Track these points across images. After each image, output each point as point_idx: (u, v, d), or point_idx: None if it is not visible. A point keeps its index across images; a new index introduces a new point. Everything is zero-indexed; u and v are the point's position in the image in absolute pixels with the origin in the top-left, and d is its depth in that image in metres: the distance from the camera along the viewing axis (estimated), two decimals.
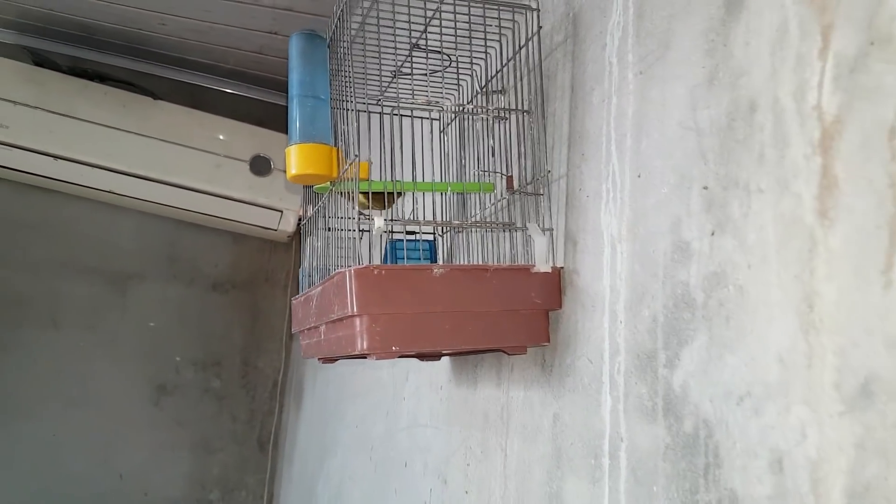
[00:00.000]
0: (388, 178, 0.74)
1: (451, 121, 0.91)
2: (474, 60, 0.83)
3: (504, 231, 0.76)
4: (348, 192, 0.72)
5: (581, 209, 0.67)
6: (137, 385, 2.20)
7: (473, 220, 0.86)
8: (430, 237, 0.91)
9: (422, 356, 0.85)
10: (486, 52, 0.81)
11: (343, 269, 0.63)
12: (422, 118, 0.92)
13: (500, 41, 0.78)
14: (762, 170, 0.45)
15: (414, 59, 0.80)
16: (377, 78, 0.81)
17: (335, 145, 0.76)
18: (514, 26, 0.75)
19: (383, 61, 0.77)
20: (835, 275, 0.38)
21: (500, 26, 0.75)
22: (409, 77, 0.84)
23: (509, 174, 0.77)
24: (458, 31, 0.74)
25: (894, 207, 0.36)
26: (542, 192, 0.72)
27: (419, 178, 0.84)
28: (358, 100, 0.73)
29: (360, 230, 0.72)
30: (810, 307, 0.40)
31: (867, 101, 0.38)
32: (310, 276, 0.89)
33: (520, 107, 0.75)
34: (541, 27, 0.73)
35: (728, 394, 0.45)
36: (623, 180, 0.60)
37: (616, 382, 0.57)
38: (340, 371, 1.64)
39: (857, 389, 0.36)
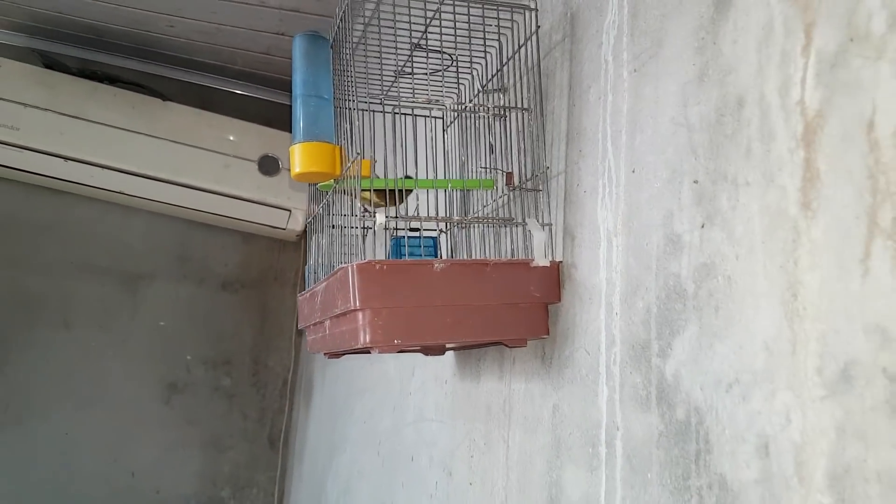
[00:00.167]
0: (394, 176, 0.76)
1: (454, 119, 0.92)
2: (474, 60, 0.85)
3: (504, 227, 0.77)
4: (355, 190, 0.74)
5: (579, 204, 0.69)
6: (148, 384, 2.23)
7: (474, 216, 0.87)
8: (434, 233, 0.93)
9: (426, 351, 0.87)
10: (485, 52, 0.82)
11: (346, 265, 0.65)
12: (424, 116, 0.93)
13: (499, 41, 0.79)
14: (749, 164, 0.46)
15: (415, 59, 0.81)
16: (379, 77, 0.83)
17: (338, 144, 0.77)
18: (513, 26, 0.76)
19: (385, 61, 0.78)
20: (817, 264, 0.40)
21: (499, 26, 0.76)
22: (411, 76, 0.85)
23: (509, 171, 0.78)
24: (458, 31, 0.76)
25: (872, 198, 0.37)
26: (541, 188, 0.74)
27: (422, 176, 0.86)
28: (360, 99, 0.74)
29: (363, 227, 0.74)
30: (794, 296, 0.41)
31: (847, 95, 0.39)
32: (315, 272, 0.91)
33: (519, 105, 0.77)
34: (539, 27, 0.75)
35: (717, 381, 0.46)
36: (618, 176, 0.62)
37: (612, 373, 0.59)
38: (348, 367, 1.66)
39: (837, 374, 0.37)
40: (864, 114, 0.38)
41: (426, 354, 0.90)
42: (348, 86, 0.76)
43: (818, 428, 0.38)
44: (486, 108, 0.82)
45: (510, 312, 0.69)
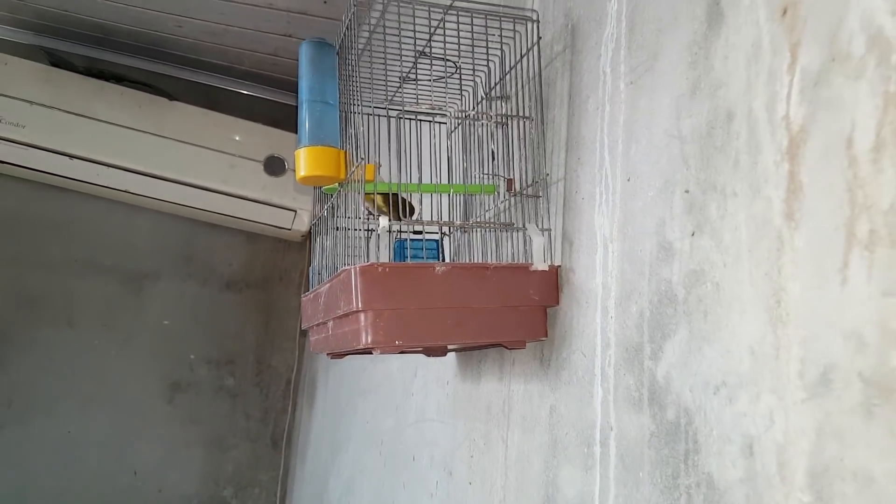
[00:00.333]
0: (400, 181, 0.78)
1: (457, 126, 0.94)
2: (477, 68, 0.87)
3: (504, 231, 0.79)
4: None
5: (577, 211, 0.71)
6: (152, 383, 2.25)
7: (475, 220, 0.89)
8: (436, 236, 0.95)
9: (428, 352, 0.89)
10: (488, 61, 0.84)
11: (349, 267, 0.67)
12: (430, 122, 0.95)
13: (502, 50, 0.81)
14: (737, 175, 0.48)
15: (420, 67, 0.83)
16: (384, 84, 0.85)
17: (343, 148, 0.79)
18: (515, 36, 0.79)
19: (390, 68, 0.80)
20: (799, 272, 0.42)
21: (501, 36, 0.78)
22: (415, 83, 0.87)
23: (510, 177, 0.80)
24: (461, 40, 0.78)
25: (850, 211, 0.39)
26: (540, 194, 0.76)
27: (425, 180, 0.88)
28: (365, 105, 0.76)
29: (367, 230, 0.76)
30: (778, 302, 0.43)
31: (828, 112, 0.41)
32: (319, 274, 0.93)
33: (521, 113, 0.79)
34: (541, 38, 0.77)
35: (706, 384, 0.48)
36: (614, 184, 0.64)
37: (607, 374, 0.61)
38: (351, 368, 1.68)
39: (817, 378, 0.39)
40: (844, 130, 0.40)
41: (428, 355, 0.92)
42: (353, 91, 0.78)
43: (799, 429, 0.40)
44: (488, 116, 0.84)
45: (510, 315, 0.71)
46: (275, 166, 2.14)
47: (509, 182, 0.81)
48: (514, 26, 0.78)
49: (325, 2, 1.77)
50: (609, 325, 0.62)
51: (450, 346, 0.89)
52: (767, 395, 0.43)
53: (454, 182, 0.93)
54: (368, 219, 0.78)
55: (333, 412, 1.84)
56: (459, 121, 0.93)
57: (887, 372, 0.35)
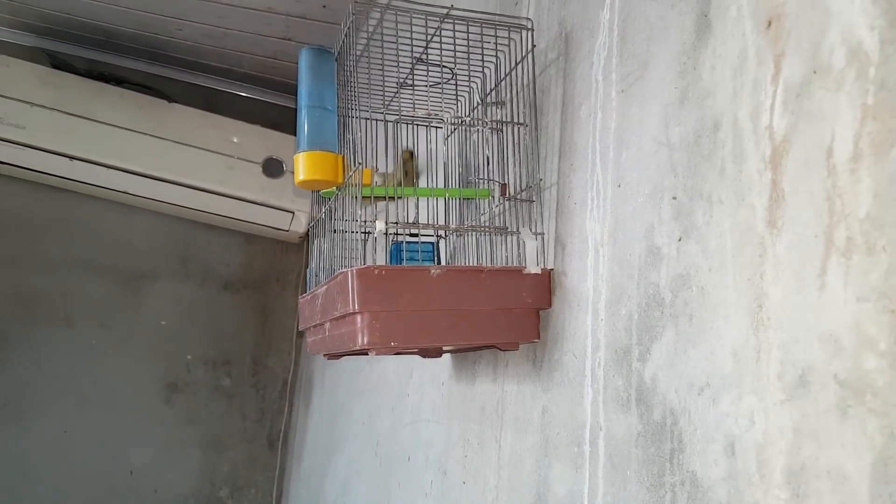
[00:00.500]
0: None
1: (452, 132, 0.96)
2: (473, 75, 0.88)
3: (499, 235, 0.81)
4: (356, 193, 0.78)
5: (569, 215, 0.72)
6: (149, 383, 2.26)
7: (470, 224, 0.91)
8: (432, 239, 0.96)
9: (424, 353, 0.90)
10: (483, 68, 0.86)
11: (346, 269, 0.68)
12: (426, 126, 0.97)
13: (497, 57, 0.83)
14: (723, 183, 0.49)
15: (417, 73, 0.85)
16: (381, 90, 0.86)
17: (341, 153, 0.81)
18: (510, 44, 0.80)
19: (387, 75, 0.82)
20: (780, 278, 0.43)
21: (497, 44, 0.80)
22: (412, 89, 0.89)
23: (504, 182, 0.82)
24: (457, 47, 0.79)
25: (829, 219, 0.40)
26: (534, 199, 0.77)
27: (421, 184, 0.89)
28: (362, 110, 0.78)
29: (364, 232, 0.78)
30: (760, 307, 0.44)
31: (809, 123, 0.43)
32: (316, 275, 0.95)
33: (515, 119, 0.80)
34: (535, 45, 0.78)
35: (691, 385, 0.50)
36: (606, 189, 0.65)
37: (597, 376, 0.62)
38: (348, 369, 1.70)
39: (795, 380, 0.41)
40: (825, 141, 0.41)
41: (424, 357, 0.93)
42: (351, 97, 0.80)
43: (778, 429, 0.41)
44: (483, 122, 0.86)
45: (503, 317, 0.73)
46: (273, 168, 2.15)
47: (503, 187, 0.82)
48: (510, 34, 0.80)
49: (324, 6, 1.78)
50: (599, 327, 0.63)
51: (445, 348, 0.90)
52: (749, 396, 0.44)
53: (450, 186, 0.94)
54: (365, 222, 0.79)
55: (330, 413, 1.85)
56: (455, 126, 0.94)
57: (861, 375, 0.37)
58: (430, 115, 0.91)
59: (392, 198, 0.83)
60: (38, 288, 2.18)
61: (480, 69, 0.86)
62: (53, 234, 2.21)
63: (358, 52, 0.78)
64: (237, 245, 2.38)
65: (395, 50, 0.77)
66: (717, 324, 0.48)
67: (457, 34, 0.78)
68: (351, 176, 0.77)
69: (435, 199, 0.96)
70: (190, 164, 2.06)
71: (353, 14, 0.78)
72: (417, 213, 0.86)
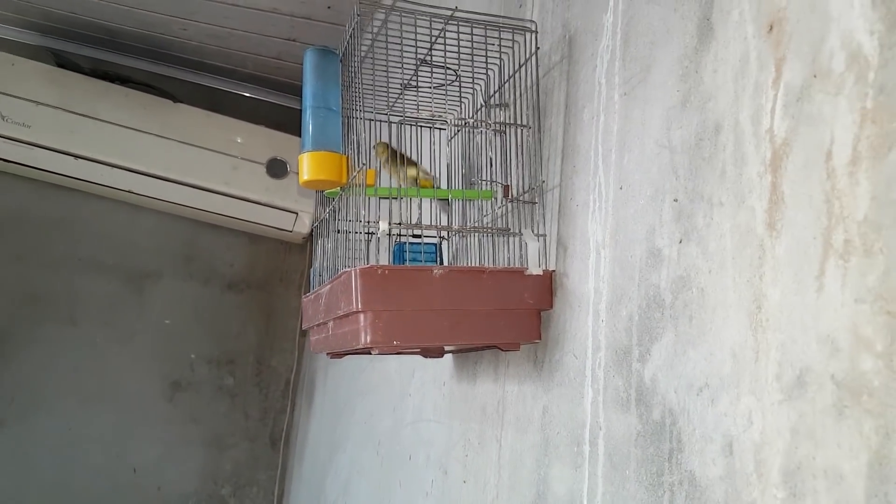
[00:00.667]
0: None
1: (456, 133, 0.96)
2: (477, 77, 0.89)
3: (501, 236, 0.81)
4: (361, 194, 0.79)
5: (571, 217, 0.73)
6: (152, 381, 2.27)
7: (473, 225, 0.91)
8: (435, 240, 0.97)
9: (426, 353, 0.90)
10: (487, 70, 0.86)
11: (349, 269, 0.69)
12: (430, 128, 0.97)
13: (500, 59, 0.83)
14: (723, 185, 0.50)
15: (421, 74, 0.85)
16: (385, 91, 0.87)
17: (345, 153, 0.81)
18: (514, 46, 0.81)
19: (392, 76, 0.82)
20: (779, 279, 0.43)
21: (500, 46, 0.80)
22: (416, 90, 0.89)
23: (507, 184, 0.82)
24: (461, 49, 0.80)
25: (828, 221, 0.41)
26: (536, 200, 0.78)
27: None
28: (367, 111, 0.78)
29: (367, 233, 0.78)
30: (758, 308, 0.45)
31: (809, 126, 0.43)
32: (320, 275, 0.95)
33: (518, 121, 0.81)
34: (539, 48, 0.79)
35: (690, 385, 0.50)
36: (608, 191, 0.65)
37: (597, 376, 0.63)
38: (350, 368, 1.70)
39: (793, 380, 0.41)
40: (824, 144, 0.42)
41: (426, 356, 0.94)
42: (356, 98, 0.80)
43: (775, 429, 0.42)
44: (486, 124, 0.86)
45: (505, 318, 0.73)
46: (277, 168, 2.16)
47: (506, 188, 0.83)
48: (514, 36, 0.80)
49: (328, 7, 1.79)
50: (600, 328, 0.64)
51: (447, 348, 0.91)
52: (747, 396, 0.45)
53: (453, 187, 0.95)
54: (369, 222, 0.80)
55: (332, 412, 1.86)
56: (459, 128, 0.95)
57: (857, 375, 0.37)
58: (433, 116, 0.92)
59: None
60: (43, 286, 2.19)
61: (484, 71, 0.87)
62: (58, 232, 2.22)
63: (362, 53, 0.78)
64: (241, 245, 2.39)
65: (399, 51, 0.78)
66: (716, 325, 0.48)
67: (461, 36, 0.79)
68: (355, 176, 0.78)
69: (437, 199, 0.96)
70: (194, 164, 2.07)
71: (358, 15, 0.79)
72: (420, 213, 0.86)
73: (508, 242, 0.80)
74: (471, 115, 0.92)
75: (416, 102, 0.92)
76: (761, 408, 0.43)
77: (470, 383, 0.96)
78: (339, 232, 0.89)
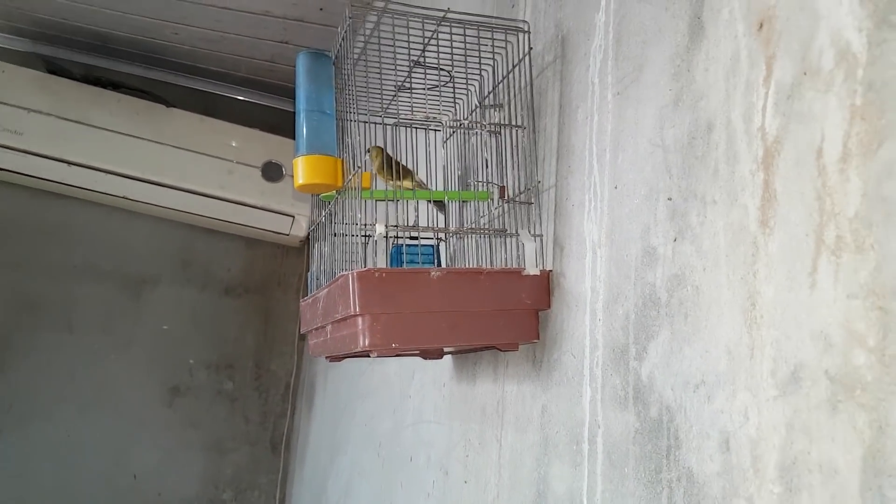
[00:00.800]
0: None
1: (451, 135, 0.96)
2: (470, 78, 0.89)
3: (497, 237, 0.81)
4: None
5: (567, 217, 0.73)
6: (151, 387, 2.26)
7: (470, 227, 0.92)
8: (433, 242, 0.97)
9: (425, 354, 0.91)
10: (481, 70, 0.86)
11: (346, 272, 0.69)
12: (424, 129, 0.98)
13: (494, 59, 0.83)
14: (716, 183, 0.50)
15: (414, 76, 0.85)
16: (379, 93, 0.87)
17: (340, 157, 0.81)
18: (507, 46, 0.81)
19: (385, 78, 0.82)
20: (772, 276, 0.44)
21: (493, 46, 0.81)
22: (410, 92, 0.90)
23: (502, 185, 0.83)
24: (454, 50, 0.80)
25: (820, 218, 0.41)
26: (532, 201, 0.78)
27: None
28: (361, 114, 0.78)
29: (364, 235, 0.78)
30: (753, 305, 0.45)
31: (800, 124, 0.44)
32: (318, 279, 0.95)
33: (513, 122, 0.81)
34: (532, 48, 0.79)
35: (686, 382, 0.50)
36: (603, 191, 0.66)
37: (595, 375, 0.63)
38: (350, 371, 1.70)
39: (788, 376, 0.42)
40: (815, 141, 0.42)
41: (425, 358, 0.94)
42: (349, 101, 0.80)
43: (771, 425, 0.42)
44: (481, 125, 0.87)
45: (503, 318, 0.73)
46: (272, 172, 2.16)
47: (502, 189, 0.83)
48: (507, 37, 0.80)
49: (321, 9, 1.79)
50: (597, 327, 0.64)
51: (446, 349, 0.91)
52: (743, 392, 0.45)
53: (449, 189, 0.95)
54: (365, 225, 0.80)
55: (332, 415, 1.86)
56: (454, 129, 0.95)
57: (850, 371, 0.37)
58: (428, 118, 0.92)
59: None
60: (39, 294, 2.19)
61: (478, 72, 0.87)
62: (54, 240, 2.21)
63: (355, 56, 0.79)
64: (238, 249, 2.39)
65: (392, 53, 0.78)
66: (711, 322, 0.49)
67: (454, 37, 0.79)
68: (350, 179, 0.78)
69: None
70: (189, 168, 2.07)
71: (350, 18, 0.79)
72: (417, 215, 0.86)
73: (505, 243, 0.80)
74: (465, 117, 0.92)
75: (410, 104, 0.92)
76: (757, 404, 0.44)
77: (469, 384, 0.96)
78: (335, 235, 0.89)
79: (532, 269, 0.74)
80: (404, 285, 0.69)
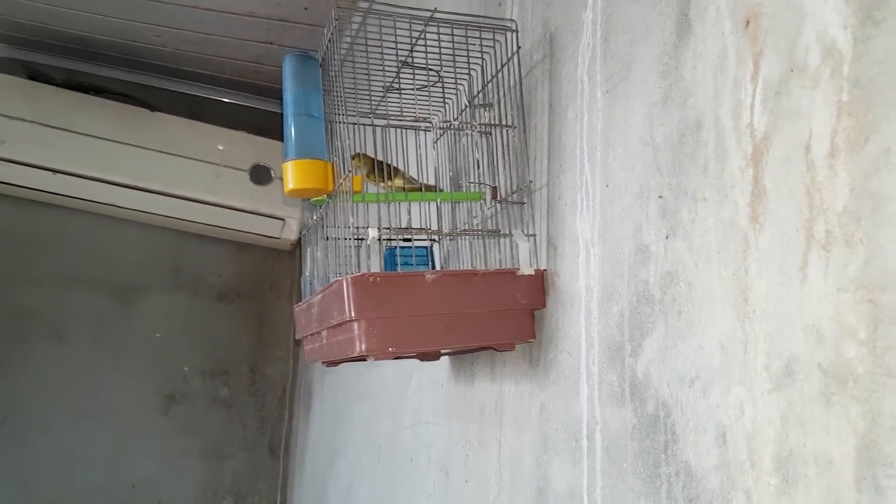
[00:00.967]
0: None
1: (441, 135, 0.97)
2: (459, 77, 0.89)
3: (491, 238, 0.82)
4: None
5: (560, 216, 0.73)
6: (146, 395, 2.25)
7: (463, 228, 0.92)
8: (426, 243, 0.97)
9: (422, 356, 0.91)
10: (469, 70, 0.87)
11: (341, 278, 0.69)
12: (414, 129, 0.98)
13: (482, 59, 0.84)
14: (706, 180, 0.51)
15: (403, 76, 0.85)
16: (368, 94, 0.87)
17: (330, 160, 0.81)
18: (495, 45, 0.81)
19: (373, 79, 0.82)
20: (764, 272, 0.44)
21: (482, 46, 0.81)
22: (399, 92, 0.89)
23: (494, 185, 0.83)
24: (443, 50, 0.80)
25: (809, 213, 0.42)
26: (525, 200, 0.78)
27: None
28: (349, 116, 0.78)
29: (357, 238, 0.78)
30: (745, 300, 0.46)
31: (788, 120, 0.44)
32: (311, 283, 0.95)
33: (503, 122, 0.81)
34: (520, 47, 0.79)
35: (681, 378, 0.51)
36: (594, 190, 0.66)
37: (591, 372, 0.64)
38: (347, 375, 1.70)
39: (781, 370, 0.42)
40: (803, 138, 0.43)
41: (422, 360, 0.94)
42: (337, 103, 0.80)
43: (766, 418, 0.43)
44: (472, 126, 0.87)
45: (499, 319, 0.74)
46: (261, 175, 2.14)
47: (493, 190, 0.83)
48: (494, 36, 0.80)
49: (305, 8, 1.78)
50: (592, 325, 0.64)
51: (443, 351, 0.92)
52: (737, 387, 0.46)
53: (441, 190, 0.95)
54: (357, 228, 0.80)
55: (330, 419, 1.86)
56: (444, 130, 0.95)
57: (842, 363, 0.38)
58: (418, 119, 0.92)
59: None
60: (28, 305, 2.17)
61: (467, 71, 0.87)
62: (41, 249, 2.19)
63: (342, 57, 0.78)
64: (228, 254, 2.37)
65: (379, 54, 0.78)
66: (704, 318, 0.49)
67: (441, 37, 0.79)
68: (341, 183, 0.78)
69: (427, 202, 0.96)
70: (176, 173, 2.05)
71: (336, 20, 0.79)
72: (410, 217, 0.87)
73: (499, 243, 0.80)
74: (455, 117, 0.93)
75: (399, 105, 0.92)
76: (752, 398, 0.44)
77: (467, 384, 0.97)
78: (328, 239, 0.89)
79: (526, 269, 0.74)
80: (399, 289, 0.69)
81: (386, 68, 0.80)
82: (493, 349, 0.81)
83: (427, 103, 0.92)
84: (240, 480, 2.33)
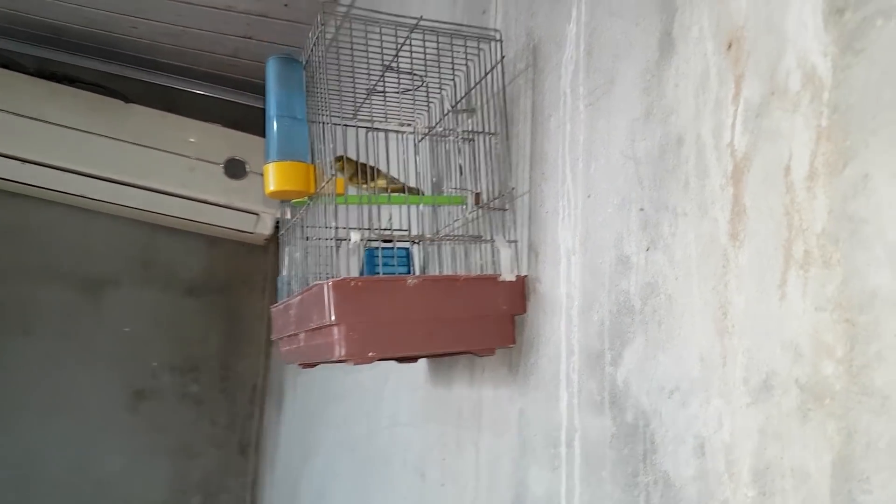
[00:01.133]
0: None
1: (422, 138, 0.97)
2: (443, 83, 0.89)
3: (473, 243, 0.82)
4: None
5: (542, 223, 0.74)
6: (114, 391, 2.21)
7: (445, 233, 0.92)
8: (407, 245, 0.97)
9: (400, 359, 0.91)
10: (454, 76, 0.87)
11: (321, 282, 0.69)
12: (396, 132, 0.97)
13: (466, 66, 0.84)
14: (687, 196, 0.52)
15: (387, 80, 0.85)
16: (352, 97, 0.86)
17: (312, 162, 0.81)
18: (479, 53, 0.81)
19: (357, 82, 0.82)
20: (743, 287, 0.46)
21: (466, 53, 0.81)
22: (384, 96, 0.89)
23: (477, 191, 0.83)
24: (427, 55, 0.80)
25: (788, 233, 0.43)
26: (507, 207, 0.79)
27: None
28: (333, 118, 0.78)
29: (336, 240, 0.78)
30: (724, 314, 0.47)
31: (768, 142, 0.45)
32: (289, 284, 0.94)
33: (486, 128, 0.82)
34: (504, 56, 0.80)
35: (661, 388, 0.52)
36: (576, 199, 0.67)
37: (571, 379, 0.65)
38: (322, 374, 1.69)
39: (760, 384, 0.44)
40: (783, 159, 0.44)
41: (400, 362, 0.94)
42: (321, 106, 0.80)
43: (744, 431, 0.44)
44: (454, 133, 0.87)
45: (479, 324, 0.74)
46: (235, 169, 2.12)
47: (477, 196, 0.84)
48: (479, 44, 0.81)
49: (285, 4, 1.76)
50: (573, 332, 0.65)
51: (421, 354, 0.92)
52: (716, 399, 0.47)
53: (423, 193, 0.95)
54: (338, 229, 0.79)
55: (303, 418, 1.85)
56: (425, 136, 0.95)
57: (820, 380, 0.40)
58: (401, 123, 0.92)
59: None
60: None
61: (451, 76, 0.87)
62: (7, 240, 2.13)
63: (327, 60, 0.78)
64: (200, 248, 2.34)
65: (364, 57, 0.78)
66: (684, 330, 0.50)
67: (426, 43, 0.79)
68: (323, 186, 0.78)
69: (408, 206, 0.96)
70: (149, 166, 2.02)
71: (322, 24, 0.78)
72: (391, 219, 0.86)
73: (480, 248, 0.81)
74: (438, 120, 0.93)
75: (383, 108, 0.92)
76: (730, 410, 0.46)
77: (445, 387, 0.97)
78: (307, 239, 0.88)
79: (508, 275, 0.75)
80: (380, 294, 0.69)
81: (371, 71, 0.80)
82: (473, 353, 0.81)
83: (411, 107, 0.92)
84: (209, 478, 2.30)
